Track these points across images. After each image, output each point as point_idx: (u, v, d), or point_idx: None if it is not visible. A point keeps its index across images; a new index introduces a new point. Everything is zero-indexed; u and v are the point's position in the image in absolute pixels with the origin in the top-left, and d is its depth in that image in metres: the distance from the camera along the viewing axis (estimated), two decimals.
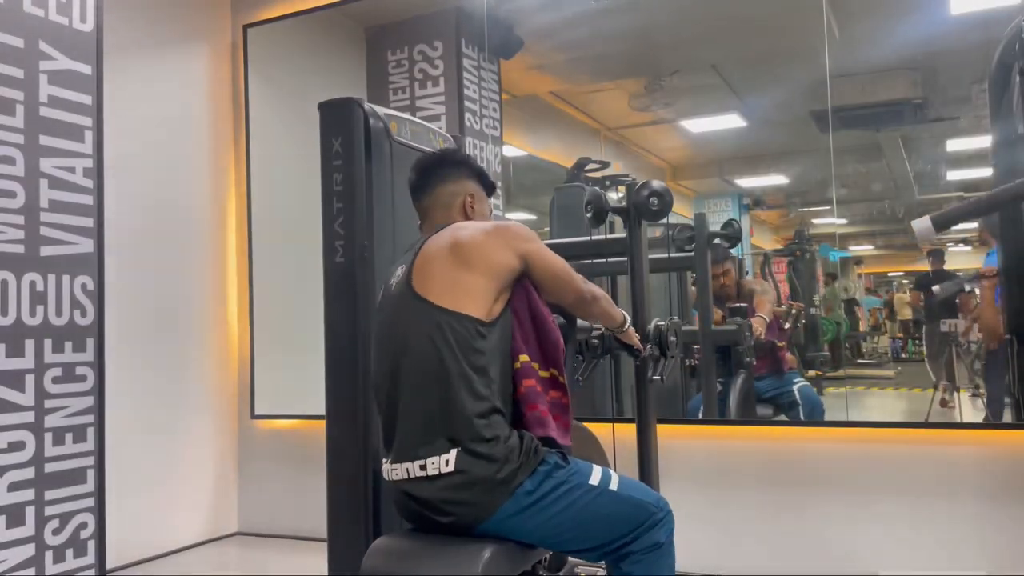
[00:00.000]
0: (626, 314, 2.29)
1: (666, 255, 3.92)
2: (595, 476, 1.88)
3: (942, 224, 2.51)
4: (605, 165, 4.66)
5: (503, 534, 1.81)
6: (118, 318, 3.68)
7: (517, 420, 1.90)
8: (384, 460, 1.91)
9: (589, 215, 2.80)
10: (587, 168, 4.54)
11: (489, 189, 2.17)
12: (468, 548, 1.75)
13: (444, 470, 1.76)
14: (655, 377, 2.64)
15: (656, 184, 2.70)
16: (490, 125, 4.63)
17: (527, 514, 1.79)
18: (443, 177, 2.08)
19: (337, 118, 2.71)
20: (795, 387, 3.85)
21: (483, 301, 1.85)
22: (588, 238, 3.08)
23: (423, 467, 1.78)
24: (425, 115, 4.14)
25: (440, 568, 1.73)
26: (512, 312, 1.91)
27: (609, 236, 3.18)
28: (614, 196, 3.60)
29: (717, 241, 3.98)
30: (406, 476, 1.82)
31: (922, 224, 2.48)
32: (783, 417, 3.82)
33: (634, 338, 2.34)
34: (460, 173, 2.10)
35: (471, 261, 1.85)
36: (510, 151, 4.48)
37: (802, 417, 3.77)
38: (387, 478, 1.88)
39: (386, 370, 1.91)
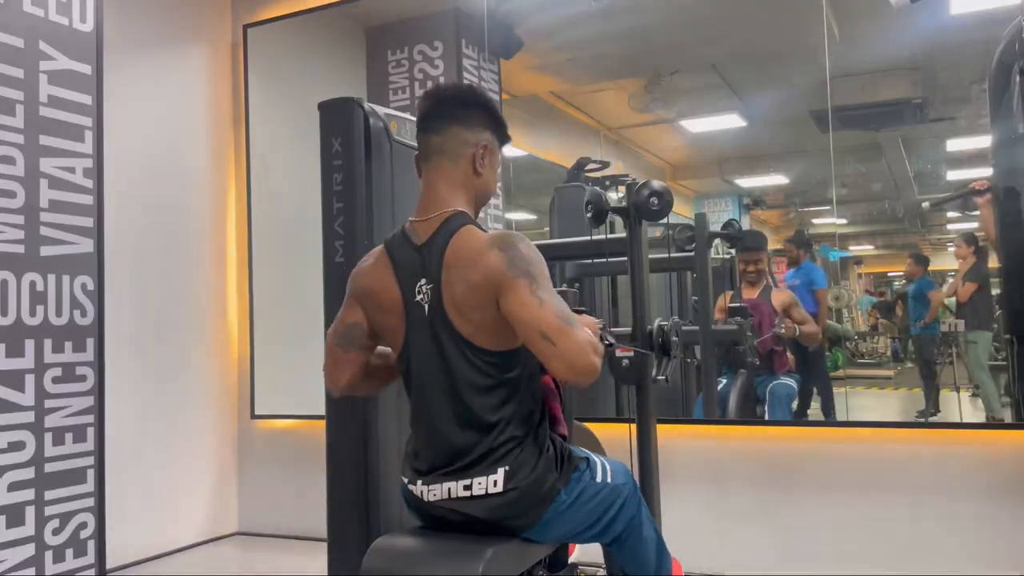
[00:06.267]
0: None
1: (666, 255, 3.92)
2: (599, 472, 1.92)
3: None
4: (605, 165, 4.66)
5: (533, 537, 1.83)
6: (118, 318, 3.68)
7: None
8: (412, 480, 1.86)
9: (589, 215, 2.80)
10: (587, 168, 4.53)
11: (503, 140, 1.96)
12: (469, 548, 1.74)
13: (492, 490, 1.75)
14: (659, 377, 2.65)
15: (656, 184, 2.69)
16: None
17: (560, 519, 1.83)
18: (461, 119, 1.86)
19: (337, 118, 2.70)
20: (771, 384, 3.86)
21: (508, 336, 1.77)
22: (588, 238, 3.08)
23: (467, 487, 1.77)
24: None
25: (441, 568, 1.73)
26: None
27: (609, 236, 3.18)
28: (614, 196, 3.61)
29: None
30: (447, 496, 1.79)
31: None
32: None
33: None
34: (479, 120, 1.88)
35: (468, 317, 1.76)
36: (510, 151, 4.48)
37: (767, 414, 3.81)
38: (423, 499, 1.83)
39: (424, 395, 1.85)
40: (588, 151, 4.92)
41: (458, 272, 1.76)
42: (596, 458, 1.95)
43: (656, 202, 2.68)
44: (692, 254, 3.87)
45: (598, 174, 4.57)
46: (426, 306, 1.80)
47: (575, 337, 1.66)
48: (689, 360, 3.98)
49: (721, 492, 3.46)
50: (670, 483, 2.93)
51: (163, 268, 4.08)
